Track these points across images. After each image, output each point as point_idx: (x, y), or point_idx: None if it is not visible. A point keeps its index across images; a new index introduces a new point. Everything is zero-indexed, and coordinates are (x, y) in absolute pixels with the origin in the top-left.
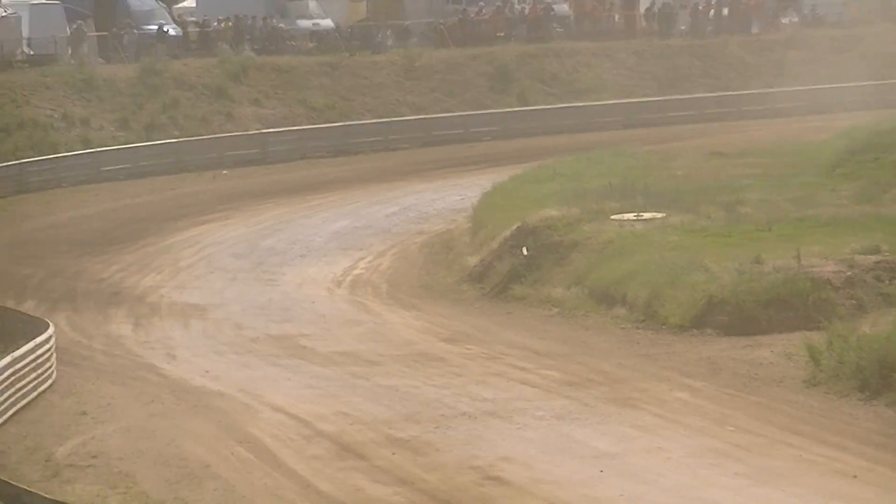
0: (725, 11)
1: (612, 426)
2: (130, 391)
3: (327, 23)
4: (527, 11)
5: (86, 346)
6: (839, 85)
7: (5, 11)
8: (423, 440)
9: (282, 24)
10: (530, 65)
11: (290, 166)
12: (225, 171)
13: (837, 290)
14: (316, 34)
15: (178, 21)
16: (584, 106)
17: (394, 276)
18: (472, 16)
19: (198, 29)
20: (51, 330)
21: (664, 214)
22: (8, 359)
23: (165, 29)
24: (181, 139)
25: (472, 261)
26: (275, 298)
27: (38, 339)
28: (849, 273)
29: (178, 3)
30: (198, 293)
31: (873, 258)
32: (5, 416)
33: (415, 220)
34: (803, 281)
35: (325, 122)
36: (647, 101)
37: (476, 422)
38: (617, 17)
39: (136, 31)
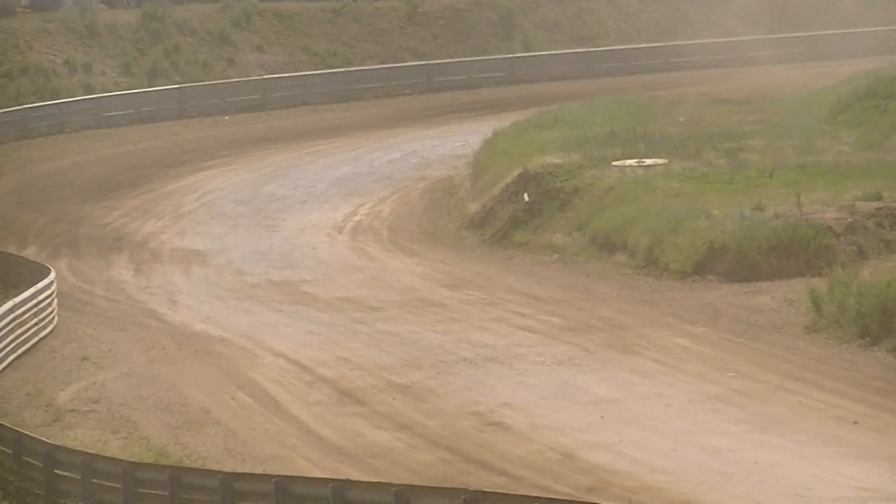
0: None
1: (612, 372)
2: (132, 337)
3: None
4: None
5: (87, 292)
6: (845, 31)
7: None
8: (424, 386)
9: None
10: (534, 11)
11: (292, 112)
12: (227, 117)
13: (838, 236)
14: None
15: None
16: (586, 52)
17: (395, 222)
18: None
19: None
20: (52, 275)
21: (666, 161)
22: (9, 304)
23: None
24: (183, 85)
25: (474, 207)
26: (276, 244)
27: (40, 285)
28: (850, 220)
29: None
30: (199, 239)
31: (874, 204)
32: (7, 362)
33: (416, 166)
34: (804, 228)
35: (327, 69)
36: (650, 47)
37: (476, 367)
38: None
39: None
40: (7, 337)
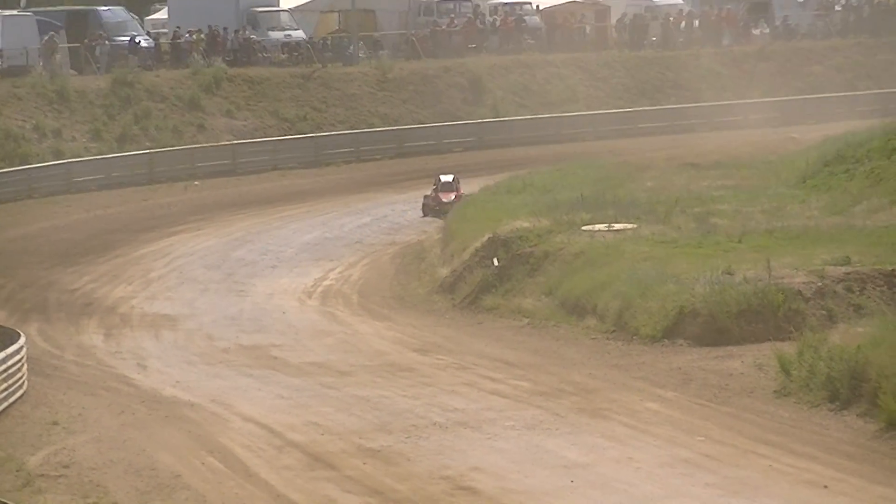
0: (696, 23)
1: (582, 436)
2: (102, 401)
3: (299, 34)
4: (498, 23)
5: (57, 357)
6: (812, 96)
7: None
8: (395, 450)
9: (254, 36)
10: (502, 76)
11: (262, 177)
12: (197, 182)
13: (808, 300)
14: (288, 46)
15: (151, 33)
16: (555, 117)
17: (365, 286)
18: (443, 27)
19: (170, 41)
20: (22, 340)
21: (635, 225)
22: None
23: (137, 40)
24: (153, 150)
25: (444, 272)
26: (246, 309)
27: (9, 350)
28: (819, 284)
29: (150, 15)
30: (169, 304)
31: (844, 269)
32: None
33: (386, 230)
34: (774, 292)
35: (297, 134)
36: (619, 113)
37: (447, 432)
38: (588, 28)
39: (108, 42)
40: None
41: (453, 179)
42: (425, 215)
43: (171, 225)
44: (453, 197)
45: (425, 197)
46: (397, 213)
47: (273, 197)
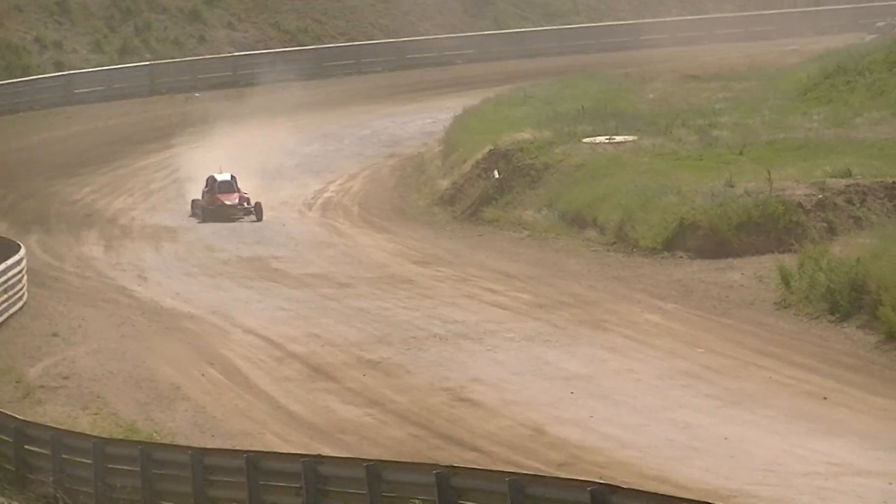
0: None
1: (582, 348)
2: (101, 313)
3: None
4: None
5: (57, 268)
6: (815, 8)
7: None
8: (395, 362)
9: None
10: None
11: (263, 89)
12: (197, 94)
13: (809, 213)
14: None
15: None
16: (558, 29)
17: (365, 198)
18: None
19: None
20: (22, 251)
21: (636, 137)
22: None
23: None
24: (154, 62)
25: (444, 184)
26: (246, 221)
27: (9, 261)
28: (820, 196)
29: None
30: (169, 216)
31: (844, 181)
32: None
33: (387, 142)
34: (775, 204)
35: (297, 46)
36: (621, 25)
37: (447, 344)
38: None
39: None
40: None
41: (231, 178)
42: (201, 220)
43: (172, 137)
44: (236, 199)
45: (194, 201)
46: (398, 126)
47: (273, 109)
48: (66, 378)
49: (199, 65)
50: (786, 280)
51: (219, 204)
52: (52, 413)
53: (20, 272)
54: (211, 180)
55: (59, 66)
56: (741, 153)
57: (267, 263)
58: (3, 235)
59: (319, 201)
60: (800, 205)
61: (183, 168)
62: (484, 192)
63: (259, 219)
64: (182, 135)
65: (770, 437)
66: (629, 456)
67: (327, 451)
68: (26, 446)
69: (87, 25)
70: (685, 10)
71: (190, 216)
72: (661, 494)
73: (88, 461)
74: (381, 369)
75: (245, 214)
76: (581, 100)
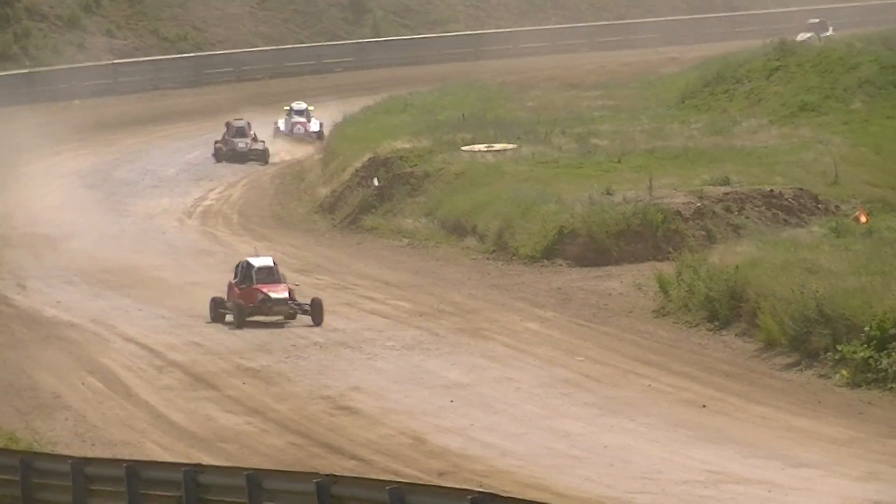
0: None
1: (462, 356)
2: None
3: None
4: None
5: None
6: (694, 16)
7: None
8: (274, 370)
9: None
10: None
11: (143, 97)
12: (77, 102)
13: (687, 220)
14: None
15: None
16: (437, 37)
17: (245, 206)
18: None
19: None
20: None
21: (516, 146)
22: None
23: None
24: (33, 69)
25: (324, 192)
26: (127, 229)
27: None
28: (698, 204)
29: None
30: (49, 224)
31: (723, 189)
32: None
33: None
34: (654, 212)
35: (177, 53)
36: (501, 32)
37: (327, 352)
38: None
39: None
40: None
41: (273, 264)
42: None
43: (52, 145)
44: (285, 291)
45: (214, 300)
46: (278, 133)
47: (154, 117)
48: None
49: (78, 72)
50: (664, 288)
51: (261, 298)
52: None
53: None
54: (245, 267)
55: None
56: (620, 161)
57: (148, 272)
58: None
59: (199, 209)
60: (678, 213)
61: (73, 172)
62: (363, 200)
63: (318, 323)
64: (63, 143)
65: (649, 445)
66: (509, 464)
67: (207, 459)
68: None
69: None
70: (564, 19)
71: (210, 322)
72: (541, 503)
73: None
74: (262, 377)
75: (300, 312)
76: (460, 108)
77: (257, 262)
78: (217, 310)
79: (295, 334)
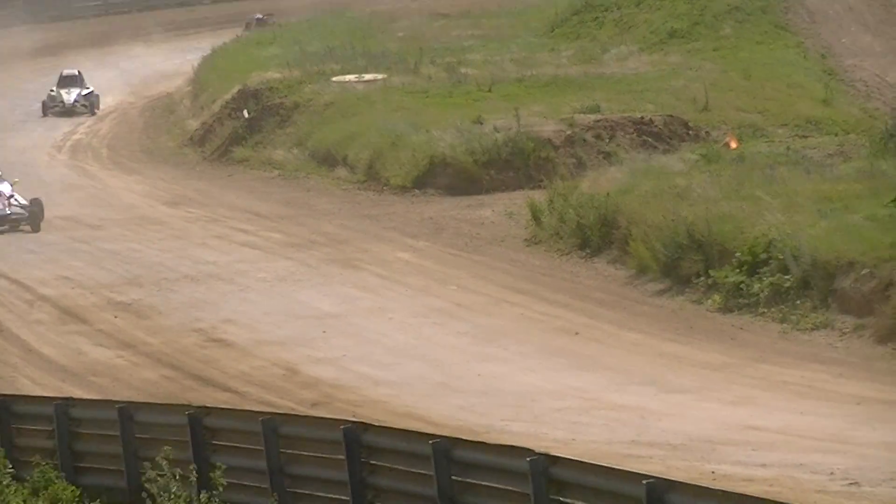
0: None
1: (334, 287)
2: None
3: None
4: None
5: None
6: None
7: None
8: (146, 303)
9: None
10: None
11: (10, 31)
12: None
13: (558, 149)
14: None
15: None
16: None
17: (114, 140)
18: None
19: None
20: None
21: (386, 76)
22: None
23: None
24: None
25: (194, 124)
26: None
27: None
28: (569, 132)
29: None
30: None
31: (593, 117)
32: None
33: (135, 84)
34: (524, 141)
35: None
36: None
37: (199, 284)
38: None
39: None
40: None
41: None
42: None
43: None
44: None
45: None
46: (146, 66)
47: (19, 52)
48: None
49: None
50: (536, 216)
51: None
52: None
53: None
54: None
55: None
56: (490, 90)
57: None
58: None
59: (69, 144)
60: (549, 141)
61: None
62: (234, 132)
63: (35, 229)
64: None
65: (523, 373)
66: (382, 394)
67: (80, 393)
68: None
69: None
70: None
71: None
72: (414, 431)
73: None
74: (133, 311)
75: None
76: (330, 39)
77: None
78: None
79: (166, 267)
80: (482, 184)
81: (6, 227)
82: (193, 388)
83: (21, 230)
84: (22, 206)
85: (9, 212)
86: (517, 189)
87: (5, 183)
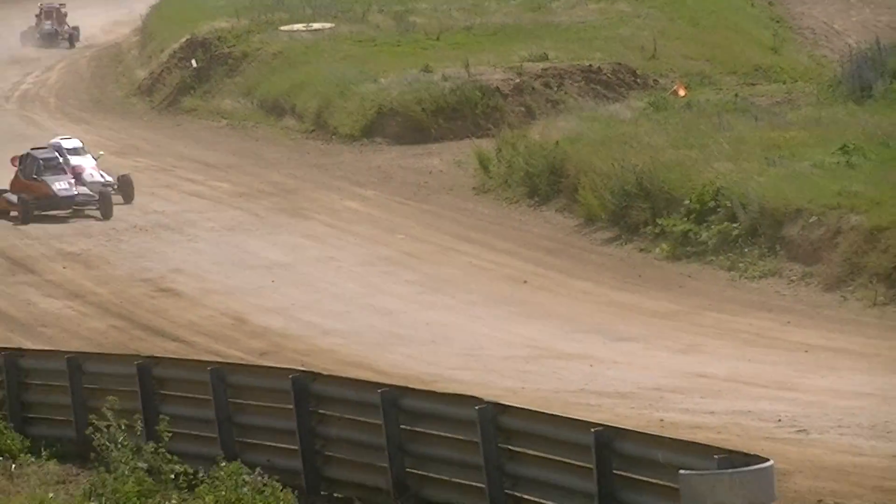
0: None
1: (283, 236)
2: None
3: None
4: None
5: None
6: None
7: None
8: (95, 254)
9: None
10: None
11: None
12: None
13: (506, 97)
14: None
15: None
16: None
17: (62, 90)
18: None
19: None
20: None
21: (333, 25)
22: None
23: None
24: None
25: (142, 74)
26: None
27: None
28: (517, 80)
29: None
30: None
31: (541, 65)
32: None
33: (82, 34)
34: (472, 89)
35: None
36: None
37: (147, 234)
38: None
39: None
40: None
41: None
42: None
43: None
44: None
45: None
46: (91, 16)
47: None
48: None
49: None
50: (484, 165)
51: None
52: None
53: None
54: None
55: None
56: (438, 39)
57: None
58: None
59: (17, 94)
60: (497, 89)
61: None
62: (182, 81)
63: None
64: None
65: (471, 321)
66: (331, 343)
67: (28, 344)
68: None
69: None
70: None
71: None
72: (362, 380)
73: None
74: (81, 261)
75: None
76: None
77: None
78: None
79: (114, 217)
80: (431, 133)
81: (71, 211)
82: (142, 337)
83: (89, 215)
84: (105, 184)
85: (75, 192)
86: (466, 138)
87: (88, 156)
